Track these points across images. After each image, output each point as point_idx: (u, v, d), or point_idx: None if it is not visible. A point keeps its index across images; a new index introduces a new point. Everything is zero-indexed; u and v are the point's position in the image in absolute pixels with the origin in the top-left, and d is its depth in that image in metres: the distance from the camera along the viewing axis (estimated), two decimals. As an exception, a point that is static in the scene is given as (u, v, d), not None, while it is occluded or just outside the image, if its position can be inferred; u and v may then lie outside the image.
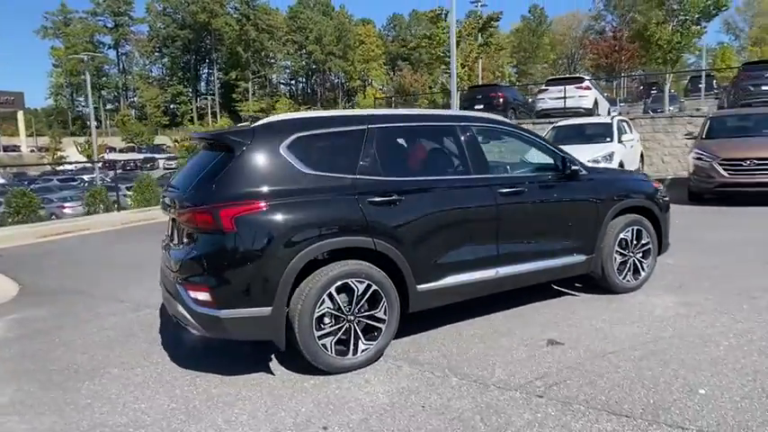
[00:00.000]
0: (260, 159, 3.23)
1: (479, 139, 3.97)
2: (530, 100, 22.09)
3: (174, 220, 3.59)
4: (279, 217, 3.12)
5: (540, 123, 15.80)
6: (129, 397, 3.15)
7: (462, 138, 3.87)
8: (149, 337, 4.14)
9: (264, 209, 3.10)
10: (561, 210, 4.20)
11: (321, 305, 3.20)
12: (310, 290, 3.17)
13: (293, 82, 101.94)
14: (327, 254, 3.26)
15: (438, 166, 4.02)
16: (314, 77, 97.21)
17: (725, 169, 8.38)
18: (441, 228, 3.63)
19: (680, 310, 4.10)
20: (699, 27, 16.59)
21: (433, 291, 3.60)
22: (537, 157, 4.39)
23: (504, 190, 3.87)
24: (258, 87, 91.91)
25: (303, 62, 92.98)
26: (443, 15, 21.21)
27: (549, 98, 16.78)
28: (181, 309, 3.22)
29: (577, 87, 16.37)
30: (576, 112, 15.88)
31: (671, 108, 21.73)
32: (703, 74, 25.58)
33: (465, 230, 3.74)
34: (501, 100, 17.78)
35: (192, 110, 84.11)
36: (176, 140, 49.79)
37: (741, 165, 8.47)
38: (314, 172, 3.32)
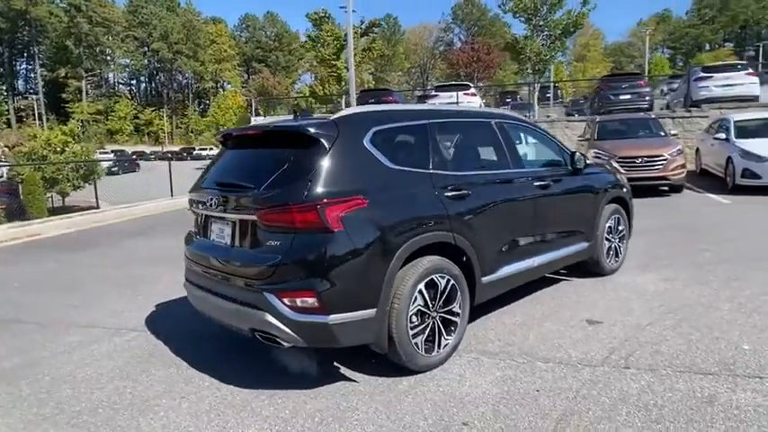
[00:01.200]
0: (350, 154, 3.08)
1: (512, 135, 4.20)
2: (417, 105, 23.20)
3: (224, 219, 3.28)
4: (381, 213, 3.01)
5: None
6: (215, 429, 2.76)
7: (501, 133, 4.06)
8: (173, 360, 3.62)
9: (367, 206, 2.96)
10: (574, 201, 4.61)
11: (414, 303, 3.13)
12: (404, 288, 3.09)
13: (134, 82, 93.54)
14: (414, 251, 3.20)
15: (487, 160, 4.16)
16: (159, 77, 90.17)
17: (621, 166, 9.74)
18: (498, 221, 3.78)
19: (666, 285, 4.75)
20: (562, 42, 19.06)
21: (492, 282, 3.73)
22: (549, 152, 4.74)
23: (538, 183, 4.15)
24: (93, 87, 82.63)
25: (146, 61, 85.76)
26: (327, 18, 21.27)
27: (440, 103, 17.84)
28: (269, 318, 2.90)
29: (465, 93, 17.70)
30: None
31: (527, 114, 24.42)
32: (552, 85, 29.45)
33: (514, 222, 3.94)
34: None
35: (8, 110, 72.26)
36: (7, 146, 42.16)
37: (634, 162, 10.02)
38: (397, 167, 3.25)
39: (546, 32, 18.67)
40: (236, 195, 3.20)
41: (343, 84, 22.76)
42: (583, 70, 56.12)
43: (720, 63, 19.74)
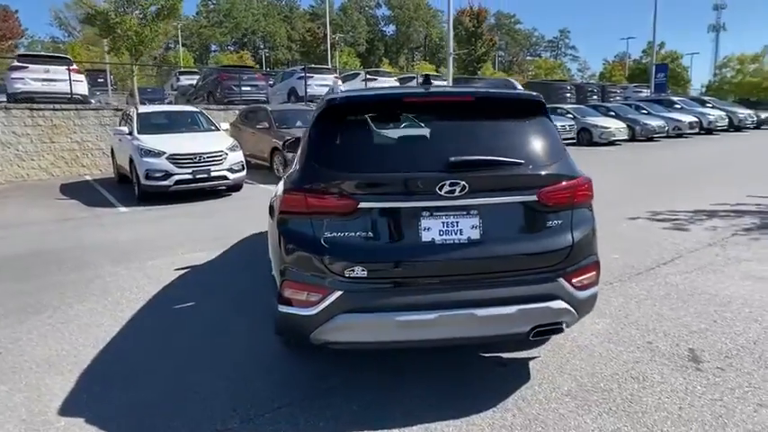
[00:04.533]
0: None
1: None
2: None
3: (461, 208, 2.69)
4: None
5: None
6: None
7: None
8: None
9: None
10: None
11: None
12: None
13: None
14: None
15: None
16: None
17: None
18: None
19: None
20: (164, 23, 16.76)
21: None
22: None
23: None
24: None
25: None
26: None
27: (31, 78, 13.06)
28: (563, 305, 2.73)
29: (69, 69, 13.52)
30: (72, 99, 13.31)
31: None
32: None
33: None
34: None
35: None
36: None
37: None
38: None
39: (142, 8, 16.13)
40: (494, 174, 2.70)
41: None
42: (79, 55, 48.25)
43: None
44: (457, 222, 2.69)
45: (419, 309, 2.62)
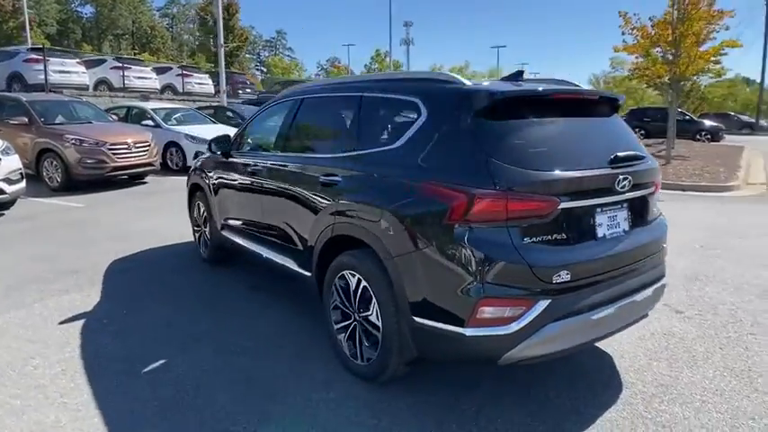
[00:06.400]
0: None
1: None
2: None
3: (618, 203, 2.82)
4: None
5: None
6: None
7: None
8: None
9: None
10: None
11: None
12: None
13: None
14: None
15: None
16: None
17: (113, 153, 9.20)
18: None
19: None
20: None
21: None
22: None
23: None
24: None
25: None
26: None
27: None
28: (666, 281, 3.14)
29: None
30: None
31: None
32: None
33: None
34: None
35: None
36: None
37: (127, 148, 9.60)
38: None
39: None
40: (639, 170, 2.89)
41: None
42: None
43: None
44: (615, 216, 2.82)
45: (604, 304, 2.68)
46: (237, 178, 4.48)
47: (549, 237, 2.55)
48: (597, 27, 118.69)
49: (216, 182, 4.86)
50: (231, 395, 2.90)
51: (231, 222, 4.71)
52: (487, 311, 2.46)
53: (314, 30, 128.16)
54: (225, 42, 24.02)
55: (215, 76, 24.32)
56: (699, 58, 14.87)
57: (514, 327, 2.44)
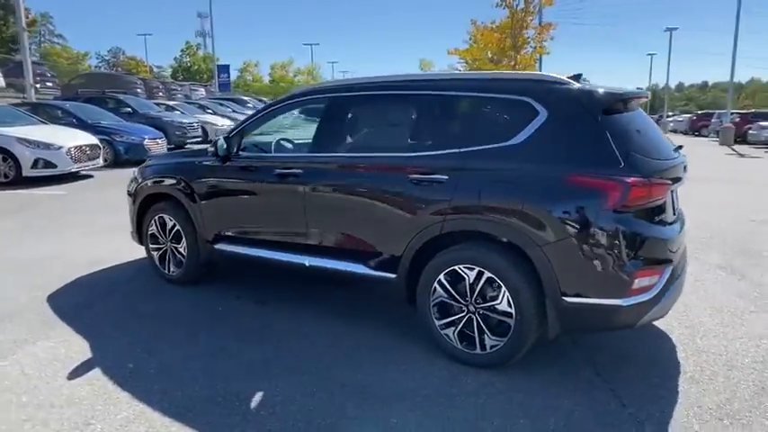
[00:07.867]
0: None
1: None
2: None
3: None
4: None
5: None
6: None
7: None
8: None
9: None
10: None
11: None
12: None
13: None
14: None
15: None
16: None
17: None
18: None
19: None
20: None
21: None
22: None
23: None
24: None
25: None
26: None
27: None
28: None
29: None
30: None
31: None
32: None
33: None
34: None
35: None
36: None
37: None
38: None
39: None
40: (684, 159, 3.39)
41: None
42: None
43: None
44: (674, 200, 3.36)
45: (678, 275, 3.24)
46: (255, 183, 4.05)
47: (663, 215, 3.08)
48: (408, 27, 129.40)
49: (209, 190, 4.28)
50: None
51: (237, 233, 4.25)
52: (638, 282, 2.84)
53: (87, 14, 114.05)
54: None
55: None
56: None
57: (654, 292, 2.88)
